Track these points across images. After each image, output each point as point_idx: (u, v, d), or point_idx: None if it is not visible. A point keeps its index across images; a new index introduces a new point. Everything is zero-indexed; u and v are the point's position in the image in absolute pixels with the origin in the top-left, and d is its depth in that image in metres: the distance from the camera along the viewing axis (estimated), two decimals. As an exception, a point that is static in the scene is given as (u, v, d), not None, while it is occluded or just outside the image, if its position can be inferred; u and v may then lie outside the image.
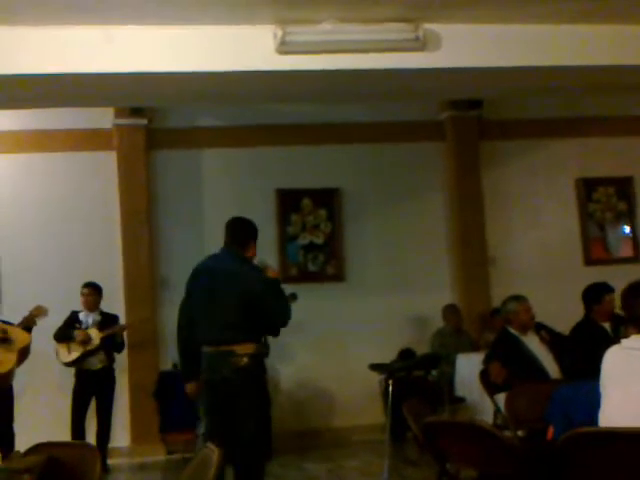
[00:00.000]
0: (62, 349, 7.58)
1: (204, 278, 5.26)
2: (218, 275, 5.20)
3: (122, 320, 8.17)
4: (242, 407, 5.04)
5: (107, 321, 7.77)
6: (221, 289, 5.12)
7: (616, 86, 6.79)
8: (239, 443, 5.01)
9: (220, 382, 5.06)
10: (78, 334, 7.53)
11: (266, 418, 5.27)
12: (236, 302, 5.04)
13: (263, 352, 5.29)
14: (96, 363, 7.63)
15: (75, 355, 7.53)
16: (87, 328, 7.64)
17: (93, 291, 7.78)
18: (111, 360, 7.76)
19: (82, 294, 7.77)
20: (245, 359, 4.99)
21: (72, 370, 7.73)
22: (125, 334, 8.22)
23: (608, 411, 3.19)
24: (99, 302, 7.84)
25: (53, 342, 7.63)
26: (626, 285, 3.40)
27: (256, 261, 5.35)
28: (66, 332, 7.57)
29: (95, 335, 7.55)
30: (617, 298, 5.00)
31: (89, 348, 7.53)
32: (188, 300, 5.34)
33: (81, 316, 7.72)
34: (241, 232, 5.36)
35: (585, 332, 6.40)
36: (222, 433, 5.04)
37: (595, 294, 6.50)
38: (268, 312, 5.07)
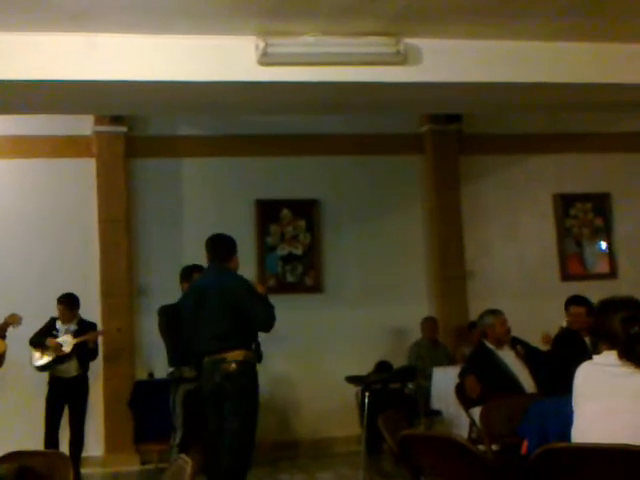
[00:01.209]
0: (36, 353, 7.51)
1: (193, 296, 5.62)
2: (205, 289, 5.52)
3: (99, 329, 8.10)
4: (229, 410, 5.31)
5: (84, 330, 7.67)
6: (208, 300, 5.42)
7: (594, 103, 6.86)
8: (224, 445, 5.27)
9: (213, 388, 5.36)
10: (49, 342, 7.45)
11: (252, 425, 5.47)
12: (221, 307, 5.34)
13: (253, 359, 5.46)
14: (70, 371, 7.55)
15: (47, 359, 7.44)
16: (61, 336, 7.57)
17: (66, 307, 7.58)
18: (85, 368, 7.68)
19: (59, 310, 7.65)
20: (234, 365, 5.27)
21: (46, 378, 7.65)
22: (100, 340, 8.16)
23: (580, 427, 3.20)
24: (76, 313, 7.71)
25: (27, 350, 7.53)
26: (598, 302, 3.44)
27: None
28: (40, 339, 7.48)
29: (69, 341, 7.46)
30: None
31: (61, 353, 7.45)
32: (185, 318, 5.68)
33: (58, 324, 7.62)
34: (221, 247, 5.65)
35: (565, 340, 6.46)
36: (213, 438, 5.39)
37: (566, 303, 6.63)
38: (249, 312, 5.30)
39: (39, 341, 7.48)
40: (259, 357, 5.62)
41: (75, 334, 7.55)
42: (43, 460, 3.57)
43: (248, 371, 5.37)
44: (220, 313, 5.35)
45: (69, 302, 7.61)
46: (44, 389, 7.66)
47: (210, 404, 5.44)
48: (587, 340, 6.30)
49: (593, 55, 6.01)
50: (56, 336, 7.53)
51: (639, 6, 5.33)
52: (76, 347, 7.49)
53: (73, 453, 7.34)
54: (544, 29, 5.70)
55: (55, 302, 7.69)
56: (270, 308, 5.37)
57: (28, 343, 7.51)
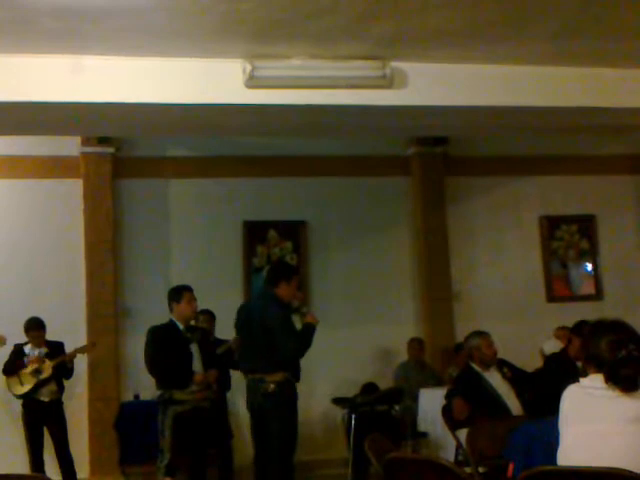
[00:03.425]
0: (14, 382, 7.39)
1: (241, 315, 6.06)
2: (250, 311, 6.01)
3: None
4: (270, 430, 5.73)
5: (55, 351, 7.54)
6: (251, 323, 5.89)
7: (580, 126, 6.91)
8: (269, 461, 5.77)
9: (256, 408, 5.83)
10: (30, 359, 7.35)
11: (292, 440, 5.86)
12: (259, 334, 5.78)
13: (291, 379, 5.81)
14: (49, 394, 7.41)
15: (28, 387, 7.33)
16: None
17: (38, 331, 7.46)
18: (61, 392, 7.56)
19: (30, 336, 7.46)
20: (272, 386, 5.70)
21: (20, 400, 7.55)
22: (86, 361, 8.11)
23: (566, 450, 3.21)
24: (45, 336, 7.64)
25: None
26: (587, 325, 3.45)
27: (296, 304, 6.16)
28: (16, 363, 7.39)
29: (47, 364, 7.37)
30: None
31: (42, 377, 7.34)
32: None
33: (27, 349, 7.45)
34: (271, 271, 6.26)
35: (556, 363, 6.48)
36: (257, 458, 5.93)
37: (578, 328, 6.59)
38: (278, 345, 5.71)
39: (15, 366, 7.37)
40: (297, 377, 5.90)
41: (48, 357, 7.44)
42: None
43: (286, 392, 5.75)
44: (260, 335, 5.75)
45: (41, 326, 7.47)
46: (20, 410, 7.56)
47: (253, 423, 5.94)
48: (580, 364, 6.31)
49: (581, 79, 6.06)
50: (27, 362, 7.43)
51: (627, 31, 5.38)
52: (54, 368, 7.40)
53: (69, 477, 7.30)
54: (532, 53, 5.74)
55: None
56: (298, 344, 5.78)
57: (2, 373, 7.47)
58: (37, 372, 7.36)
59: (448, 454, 6.47)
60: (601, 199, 10.12)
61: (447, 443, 7.02)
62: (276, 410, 5.72)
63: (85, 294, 8.70)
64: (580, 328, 6.37)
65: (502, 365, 6.62)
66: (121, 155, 9.06)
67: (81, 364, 8.05)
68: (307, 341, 5.85)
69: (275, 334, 5.71)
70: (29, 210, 8.86)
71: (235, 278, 9.13)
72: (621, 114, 6.35)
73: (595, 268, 10.11)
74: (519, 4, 4.91)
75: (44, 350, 7.49)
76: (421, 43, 5.46)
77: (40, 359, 7.36)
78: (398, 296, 9.50)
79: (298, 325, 6.00)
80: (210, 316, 7.73)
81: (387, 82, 5.63)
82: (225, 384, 7.42)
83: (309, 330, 5.90)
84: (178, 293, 6.36)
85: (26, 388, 7.34)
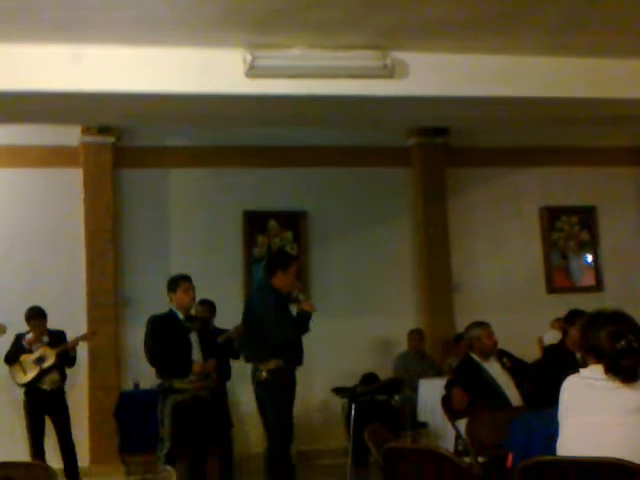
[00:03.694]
0: (17, 371, 7.39)
1: (246, 307, 6.23)
2: (249, 302, 6.29)
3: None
4: (267, 418, 5.90)
5: (57, 339, 7.55)
6: (247, 314, 6.09)
7: (581, 118, 6.91)
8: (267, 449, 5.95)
9: (256, 394, 5.96)
10: (28, 340, 7.32)
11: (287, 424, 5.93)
12: (255, 325, 5.93)
13: (285, 367, 5.84)
14: (52, 382, 7.41)
15: (32, 375, 7.33)
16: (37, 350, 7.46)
17: (40, 320, 7.46)
18: (63, 380, 7.56)
19: (32, 325, 7.43)
20: (264, 374, 5.79)
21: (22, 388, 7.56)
22: (86, 350, 8.12)
23: (566, 440, 3.21)
24: (46, 325, 7.64)
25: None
26: (578, 313, 3.46)
27: (295, 294, 6.15)
28: (17, 350, 7.39)
29: (49, 353, 7.38)
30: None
31: (45, 366, 7.35)
32: None
33: (28, 338, 7.51)
34: (268, 262, 6.42)
35: (554, 354, 6.47)
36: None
37: (571, 317, 6.57)
38: (270, 337, 5.82)
39: (16, 352, 7.38)
40: (300, 361, 5.98)
41: (50, 345, 7.44)
42: (28, 471, 3.56)
43: (279, 379, 5.79)
44: (255, 325, 5.91)
45: (42, 315, 7.46)
46: (22, 398, 7.57)
47: (259, 411, 6.07)
48: (578, 356, 6.31)
49: (582, 70, 6.06)
50: (31, 351, 7.43)
51: (627, 22, 5.37)
52: (58, 356, 7.40)
53: (70, 465, 7.33)
54: (533, 44, 5.74)
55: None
56: (291, 332, 5.86)
57: (4, 362, 7.47)
58: (40, 360, 7.36)
59: (447, 444, 6.47)
60: (601, 190, 10.12)
61: (446, 433, 7.03)
62: (270, 398, 5.82)
63: (85, 283, 8.71)
64: (572, 318, 6.39)
65: (502, 355, 6.62)
66: (121, 145, 9.06)
67: (81, 353, 8.05)
68: (300, 328, 5.89)
69: (268, 327, 5.78)
70: (29, 199, 8.86)
71: (235, 268, 9.14)
72: (622, 105, 6.35)
73: (595, 259, 10.12)
74: (520, -5, 4.91)
75: (46, 339, 7.50)
76: (422, 33, 5.45)
77: (40, 341, 7.36)
78: (398, 287, 9.50)
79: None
80: (210, 306, 7.72)
81: (388, 72, 5.62)
82: (225, 373, 7.42)
83: (303, 317, 5.92)
84: (174, 283, 6.37)
85: (29, 377, 7.34)
